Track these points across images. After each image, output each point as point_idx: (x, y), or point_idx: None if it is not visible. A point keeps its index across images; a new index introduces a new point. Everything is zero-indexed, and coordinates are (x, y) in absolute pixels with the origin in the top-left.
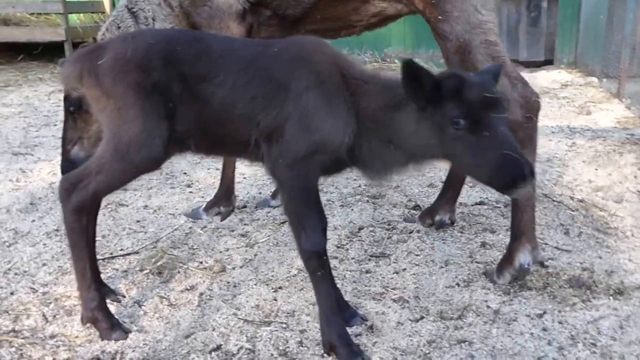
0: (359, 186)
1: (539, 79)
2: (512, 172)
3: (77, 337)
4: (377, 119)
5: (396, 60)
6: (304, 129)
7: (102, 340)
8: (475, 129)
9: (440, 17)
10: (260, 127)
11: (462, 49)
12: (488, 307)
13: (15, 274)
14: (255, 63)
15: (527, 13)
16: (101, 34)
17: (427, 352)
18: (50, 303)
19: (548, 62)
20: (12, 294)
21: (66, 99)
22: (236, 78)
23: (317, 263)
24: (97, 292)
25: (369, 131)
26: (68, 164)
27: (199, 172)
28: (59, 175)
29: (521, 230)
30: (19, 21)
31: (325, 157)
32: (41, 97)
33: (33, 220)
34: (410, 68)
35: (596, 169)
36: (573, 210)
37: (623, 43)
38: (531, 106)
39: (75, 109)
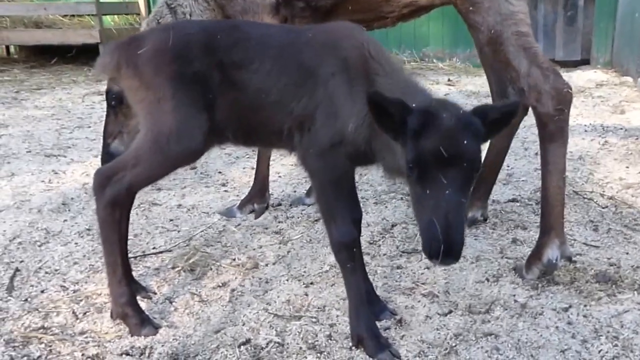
0: (394, 184)
1: (575, 79)
2: (427, 244)
3: (106, 333)
4: None
5: (434, 60)
6: (329, 117)
7: (132, 336)
8: (421, 181)
9: (471, 7)
10: (293, 116)
11: (493, 40)
12: (515, 301)
13: (46, 272)
14: (289, 49)
15: (563, 12)
16: (144, 26)
17: (453, 344)
18: (80, 300)
19: (584, 62)
20: (42, 292)
21: (108, 92)
22: (271, 64)
23: (347, 255)
24: (127, 288)
25: None
26: (108, 157)
27: (234, 171)
28: (92, 176)
29: (550, 225)
30: (52, 23)
31: (348, 146)
32: (75, 99)
33: (65, 220)
34: (373, 100)
35: (627, 167)
36: (603, 207)
37: None
38: (563, 98)
39: (116, 102)
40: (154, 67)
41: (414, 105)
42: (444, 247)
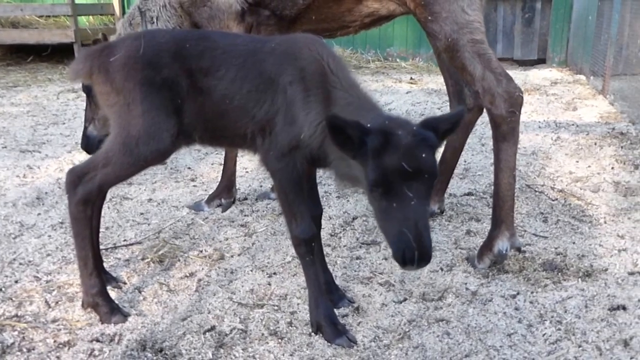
0: (343, 189)
1: (531, 77)
2: (401, 252)
3: (77, 321)
4: None
5: (398, 59)
6: (287, 123)
7: (102, 323)
8: (386, 196)
9: (429, 17)
10: (255, 120)
11: (450, 47)
12: (467, 289)
13: (20, 263)
14: (253, 58)
15: (522, 14)
16: (120, 27)
17: (407, 330)
18: (53, 290)
19: (541, 61)
20: (16, 282)
21: (83, 84)
22: (235, 72)
23: (306, 249)
24: (98, 279)
25: None
26: (85, 139)
27: (202, 167)
28: (66, 172)
29: (501, 219)
30: (28, 24)
31: (305, 151)
32: (50, 97)
33: (39, 214)
34: (333, 122)
35: (577, 161)
36: (553, 200)
37: (609, 43)
38: (515, 101)
39: (88, 93)
40: (125, 74)
41: (369, 125)
42: (418, 254)
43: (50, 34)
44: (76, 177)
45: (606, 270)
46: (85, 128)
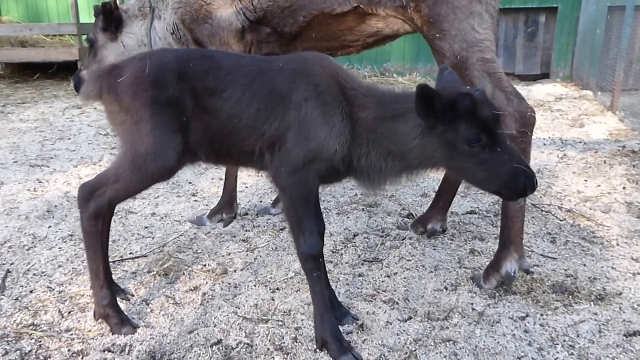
0: (355, 195)
1: (534, 92)
2: (523, 183)
3: (90, 331)
4: (373, 130)
5: (395, 75)
6: (302, 138)
7: (113, 334)
8: (490, 145)
9: (438, 35)
10: (264, 137)
11: (459, 65)
12: (473, 309)
13: (34, 274)
14: (261, 77)
15: (524, 28)
16: (130, 6)
17: (413, 349)
18: (65, 300)
19: (544, 76)
20: (31, 292)
21: (87, 40)
22: (243, 92)
23: (313, 265)
24: (108, 291)
25: (367, 141)
26: (76, 78)
27: (203, 182)
28: (74, 185)
29: (510, 239)
30: (35, 42)
31: (321, 165)
32: (56, 112)
33: (50, 226)
34: (423, 92)
35: (585, 180)
36: (561, 220)
37: (619, 57)
38: (526, 121)
39: (91, 44)
40: (132, 93)
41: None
42: (534, 178)
43: (56, 52)
44: (87, 193)
45: (620, 294)
46: (80, 70)
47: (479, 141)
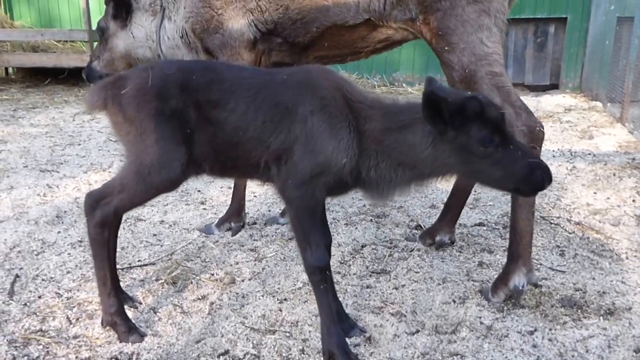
0: (364, 206)
1: (543, 103)
2: (541, 176)
3: (97, 338)
4: (381, 142)
5: (404, 84)
6: (309, 151)
7: (120, 342)
8: (502, 144)
9: (446, 47)
10: (270, 150)
11: (467, 79)
12: (481, 323)
13: (43, 280)
14: (265, 90)
15: (533, 38)
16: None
17: None
18: (73, 307)
19: (553, 86)
20: (39, 297)
21: (98, 26)
22: (247, 104)
23: (320, 277)
24: (116, 299)
25: (375, 153)
26: (87, 69)
27: (212, 190)
28: (83, 191)
29: (518, 253)
30: (47, 48)
31: (329, 178)
32: (66, 118)
33: (59, 232)
34: (430, 98)
35: (595, 193)
36: (570, 233)
37: (628, 68)
38: (535, 136)
39: (102, 33)
40: (136, 105)
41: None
42: (549, 172)
43: (67, 58)
44: (94, 201)
45: (630, 309)
46: (91, 61)
47: (492, 141)
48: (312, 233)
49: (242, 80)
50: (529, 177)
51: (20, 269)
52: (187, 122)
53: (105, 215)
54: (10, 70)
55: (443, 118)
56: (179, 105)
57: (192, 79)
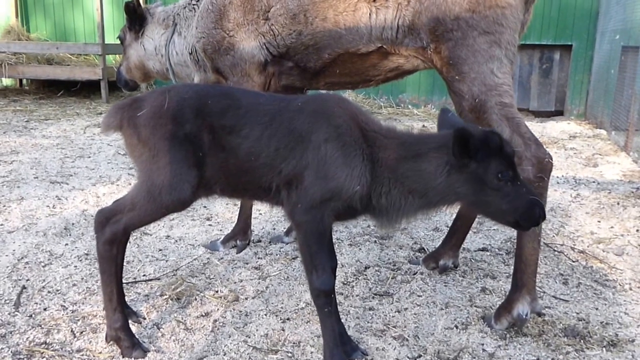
0: (368, 227)
1: (548, 129)
2: (538, 212)
3: (100, 352)
4: (395, 170)
5: (410, 106)
6: (321, 177)
7: (123, 357)
8: (513, 179)
9: (457, 77)
10: (282, 175)
11: (477, 108)
12: (484, 350)
13: (49, 292)
14: (280, 117)
15: (539, 64)
16: (157, 11)
17: None
18: (78, 320)
19: (558, 113)
20: (45, 309)
21: (118, 36)
22: (262, 130)
23: (325, 300)
24: (121, 314)
25: (388, 181)
26: (118, 74)
27: (218, 207)
28: (91, 204)
29: (523, 281)
30: (61, 60)
31: (339, 204)
32: (77, 130)
33: (66, 244)
34: (461, 134)
35: (599, 221)
36: (573, 261)
37: (633, 97)
38: (544, 167)
39: (121, 42)
40: (151, 127)
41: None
42: (544, 209)
43: (80, 71)
44: (104, 218)
45: (633, 341)
46: (120, 66)
47: (507, 175)
48: (319, 257)
49: (258, 106)
50: (529, 213)
51: (27, 280)
52: (200, 146)
53: (114, 232)
54: (24, 81)
55: (468, 151)
56: (193, 130)
57: (208, 104)
